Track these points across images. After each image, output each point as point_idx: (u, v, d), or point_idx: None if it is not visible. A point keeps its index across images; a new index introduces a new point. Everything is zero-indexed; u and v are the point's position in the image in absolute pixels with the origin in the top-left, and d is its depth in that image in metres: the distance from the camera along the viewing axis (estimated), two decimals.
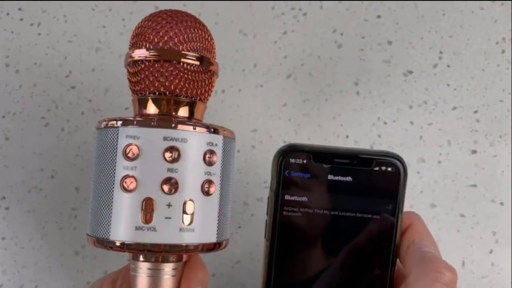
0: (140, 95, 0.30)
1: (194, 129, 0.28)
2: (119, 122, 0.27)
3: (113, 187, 0.27)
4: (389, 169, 0.30)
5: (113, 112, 0.44)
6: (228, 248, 0.38)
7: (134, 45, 0.30)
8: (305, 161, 0.30)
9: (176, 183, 0.27)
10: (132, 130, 0.27)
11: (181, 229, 0.27)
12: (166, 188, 0.27)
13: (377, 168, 0.30)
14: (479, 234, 0.42)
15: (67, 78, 0.45)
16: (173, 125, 0.27)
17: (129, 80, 0.31)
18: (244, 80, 0.45)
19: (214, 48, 0.32)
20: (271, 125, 0.44)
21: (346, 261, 0.30)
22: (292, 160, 0.30)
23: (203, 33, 0.30)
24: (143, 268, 0.28)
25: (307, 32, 0.46)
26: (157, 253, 0.27)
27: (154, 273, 0.28)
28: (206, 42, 0.30)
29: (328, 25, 0.45)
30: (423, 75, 0.45)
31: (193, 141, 0.28)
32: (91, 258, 0.42)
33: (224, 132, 0.29)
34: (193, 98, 0.30)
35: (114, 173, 0.27)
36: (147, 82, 0.29)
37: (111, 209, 0.27)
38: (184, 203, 0.27)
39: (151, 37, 0.29)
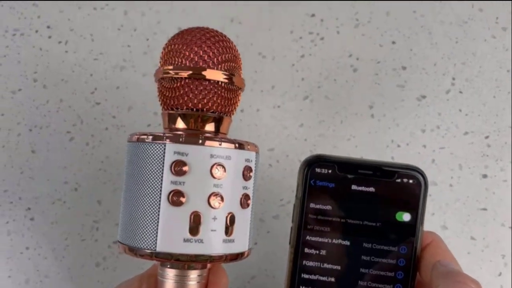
0: (173, 110, 0.31)
1: (236, 147, 0.30)
2: (166, 138, 0.28)
3: (159, 201, 0.28)
4: (411, 181, 0.31)
5: (136, 128, 0.46)
6: (244, 264, 0.39)
7: (168, 62, 0.31)
8: (330, 171, 0.32)
9: (222, 198, 0.29)
10: (180, 147, 0.28)
11: (223, 240, 0.29)
12: (212, 202, 0.28)
13: (399, 180, 0.32)
14: (488, 257, 0.44)
15: (92, 94, 0.47)
16: (220, 143, 0.29)
17: (163, 95, 0.32)
18: (262, 100, 0.47)
19: (241, 64, 0.33)
20: (288, 145, 0.46)
21: (367, 268, 0.31)
22: (318, 170, 0.32)
23: (233, 50, 0.32)
24: (171, 274, 0.30)
25: (324, 56, 0.47)
26: (201, 263, 0.29)
27: (181, 279, 0.30)
28: (236, 59, 0.32)
29: (344, 50, 0.47)
30: (436, 101, 0.46)
31: (235, 158, 0.29)
32: (111, 269, 0.44)
33: (256, 149, 0.31)
34: (221, 114, 0.31)
35: (161, 187, 0.28)
36: (185, 99, 0.30)
37: (158, 222, 0.28)
38: (227, 216, 0.29)
39: (187, 54, 0.30)
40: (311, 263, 0.32)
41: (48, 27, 0.48)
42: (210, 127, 0.31)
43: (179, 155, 0.28)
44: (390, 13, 0.48)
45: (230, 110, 0.32)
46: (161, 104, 0.33)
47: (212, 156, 0.29)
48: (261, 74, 0.47)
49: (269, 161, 0.46)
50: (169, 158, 0.28)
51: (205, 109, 0.30)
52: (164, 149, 0.28)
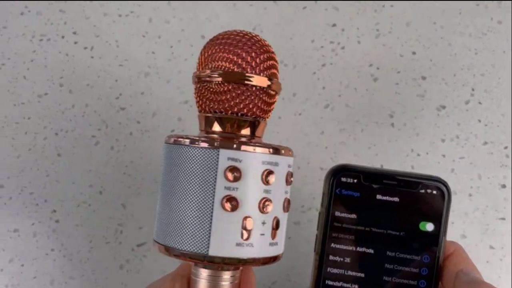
0: (211, 113, 0.31)
1: (282, 154, 0.30)
2: (218, 143, 0.29)
3: (212, 205, 0.28)
4: (434, 192, 0.32)
5: (161, 134, 0.47)
6: (265, 269, 0.39)
7: (210, 65, 0.31)
8: (355, 181, 0.33)
9: (271, 203, 0.30)
10: (235, 153, 0.29)
11: (270, 244, 0.30)
12: (263, 207, 0.29)
13: (423, 191, 0.32)
14: (507, 266, 0.44)
15: (117, 99, 0.48)
16: (271, 150, 0.30)
17: (203, 99, 0.32)
18: (284, 108, 0.47)
19: (279, 69, 0.33)
20: (309, 152, 0.46)
21: (390, 276, 0.32)
22: (344, 179, 0.33)
23: (274, 56, 0.32)
24: (204, 274, 0.30)
25: (345, 65, 0.48)
26: (251, 265, 0.30)
27: (214, 279, 0.30)
28: (276, 64, 0.32)
29: (365, 59, 0.48)
30: (456, 111, 0.47)
31: (282, 164, 0.30)
32: (134, 272, 0.44)
33: (290, 153, 0.32)
34: (257, 118, 0.31)
35: (214, 192, 0.28)
36: (226, 104, 0.30)
37: (210, 226, 0.28)
38: (273, 220, 0.30)
39: (231, 58, 0.30)
40: (335, 270, 0.33)
41: (74, 33, 0.49)
42: (246, 131, 0.31)
43: (233, 161, 0.28)
44: (411, 24, 0.48)
45: (267, 114, 0.32)
46: (198, 107, 0.33)
47: (263, 162, 0.29)
48: (283, 81, 0.47)
49: None
50: (224, 163, 0.28)
51: (243, 113, 0.31)
52: (218, 155, 0.29)
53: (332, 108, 0.47)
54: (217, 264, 0.29)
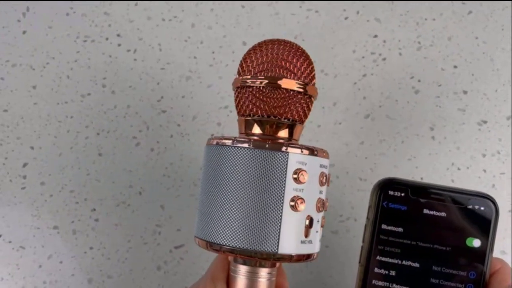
0: (250, 116, 0.32)
1: (326, 156, 0.33)
2: (286, 148, 0.30)
3: (281, 206, 0.30)
4: (482, 208, 0.32)
5: (201, 137, 0.47)
6: (302, 278, 0.39)
7: (251, 71, 0.32)
8: (403, 194, 0.33)
9: (323, 203, 0.32)
10: (302, 157, 0.30)
11: (319, 240, 0.32)
12: (319, 207, 0.31)
13: (470, 207, 0.32)
14: None
15: (158, 102, 0.48)
16: (325, 154, 0.32)
17: (244, 102, 0.33)
18: (324, 116, 0.48)
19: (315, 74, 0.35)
20: (348, 162, 0.46)
21: None
22: (391, 193, 0.33)
23: (311, 62, 0.34)
24: (243, 270, 0.32)
25: (386, 76, 0.48)
26: (284, 261, 0.31)
27: (253, 275, 0.32)
28: (313, 70, 0.33)
29: (406, 71, 0.48)
30: (497, 126, 0.46)
31: (327, 167, 0.33)
32: (172, 274, 0.45)
33: (324, 154, 0.33)
34: (295, 121, 0.33)
35: (284, 193, 0.30)
36: (266, 107, 0.32)
37: (280, 226, 0.30)
38: (321, 219, 0.32)
39: (272, 64, 0.32)
40: (380, 283, 0.33)
41: (118, 35, 0.50)
42: (284, 133, 0.32)
43: (300, 164, 0.30)
44: (452, 38, 0.48)
45: (304, 118, 0.33)
46: (238, 111, 0.34)
47: (321, 166, 0.32)
48: (323, 91, 0.48)
49: None
50: (292, 166, 0.30)
51: (282, 116, 0.32)
52: (288, 158, 0.30)
53: (373, 119, 0.47)
54: (287, 261, 0.30)
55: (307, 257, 0.31)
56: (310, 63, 0.33)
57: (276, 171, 0.30)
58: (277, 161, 0.30)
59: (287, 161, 0.30)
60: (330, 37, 0.49)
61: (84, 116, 0.48)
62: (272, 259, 0.30)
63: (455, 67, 0.48)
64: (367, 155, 0.47)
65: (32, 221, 0.45)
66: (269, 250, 0.29)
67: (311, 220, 0.31)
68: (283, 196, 0.30)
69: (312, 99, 0.33)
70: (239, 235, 0.30)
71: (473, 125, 0.47)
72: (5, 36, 0.49)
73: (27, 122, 0.48)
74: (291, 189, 0.30)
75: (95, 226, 0.45)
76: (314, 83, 0.33)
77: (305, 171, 0.30)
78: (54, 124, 0.48)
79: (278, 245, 0.30)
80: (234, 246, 0.30)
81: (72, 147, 0.47)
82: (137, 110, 0.48)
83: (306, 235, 0.30)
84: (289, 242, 0.30)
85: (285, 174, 0.30)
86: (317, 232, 0.32)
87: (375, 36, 0.49)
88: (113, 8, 0.50)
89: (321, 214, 0.32)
